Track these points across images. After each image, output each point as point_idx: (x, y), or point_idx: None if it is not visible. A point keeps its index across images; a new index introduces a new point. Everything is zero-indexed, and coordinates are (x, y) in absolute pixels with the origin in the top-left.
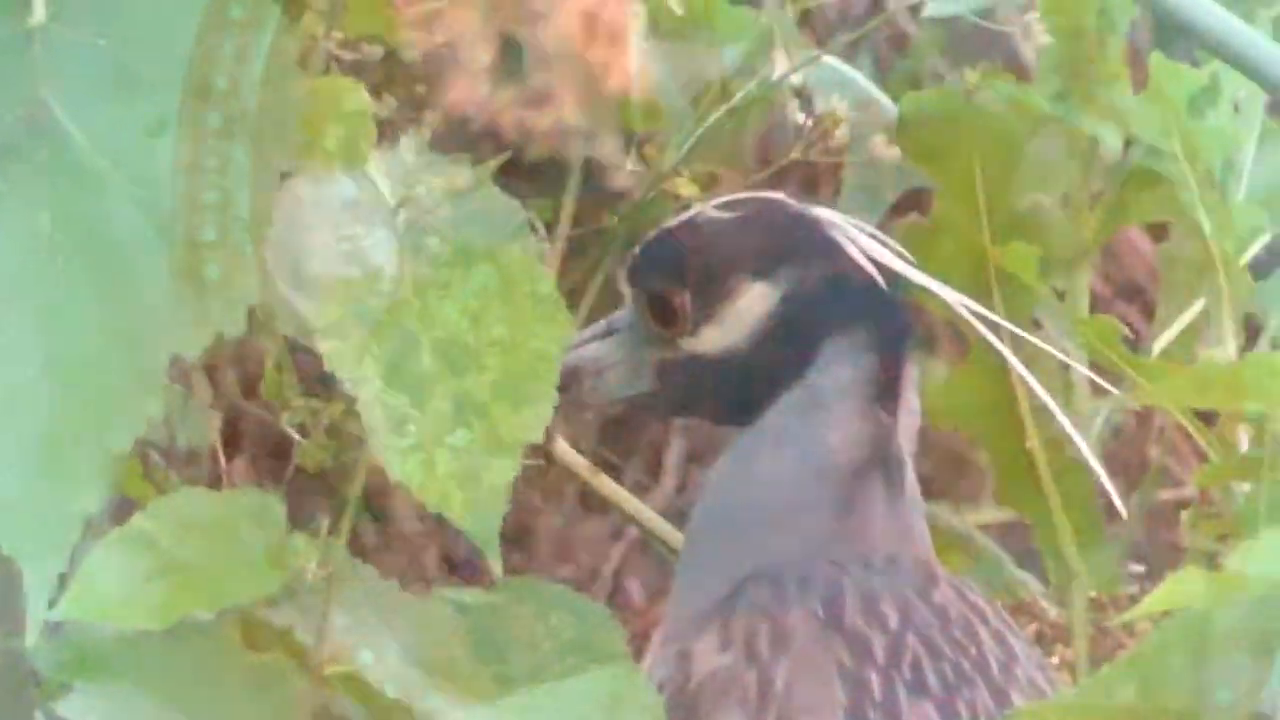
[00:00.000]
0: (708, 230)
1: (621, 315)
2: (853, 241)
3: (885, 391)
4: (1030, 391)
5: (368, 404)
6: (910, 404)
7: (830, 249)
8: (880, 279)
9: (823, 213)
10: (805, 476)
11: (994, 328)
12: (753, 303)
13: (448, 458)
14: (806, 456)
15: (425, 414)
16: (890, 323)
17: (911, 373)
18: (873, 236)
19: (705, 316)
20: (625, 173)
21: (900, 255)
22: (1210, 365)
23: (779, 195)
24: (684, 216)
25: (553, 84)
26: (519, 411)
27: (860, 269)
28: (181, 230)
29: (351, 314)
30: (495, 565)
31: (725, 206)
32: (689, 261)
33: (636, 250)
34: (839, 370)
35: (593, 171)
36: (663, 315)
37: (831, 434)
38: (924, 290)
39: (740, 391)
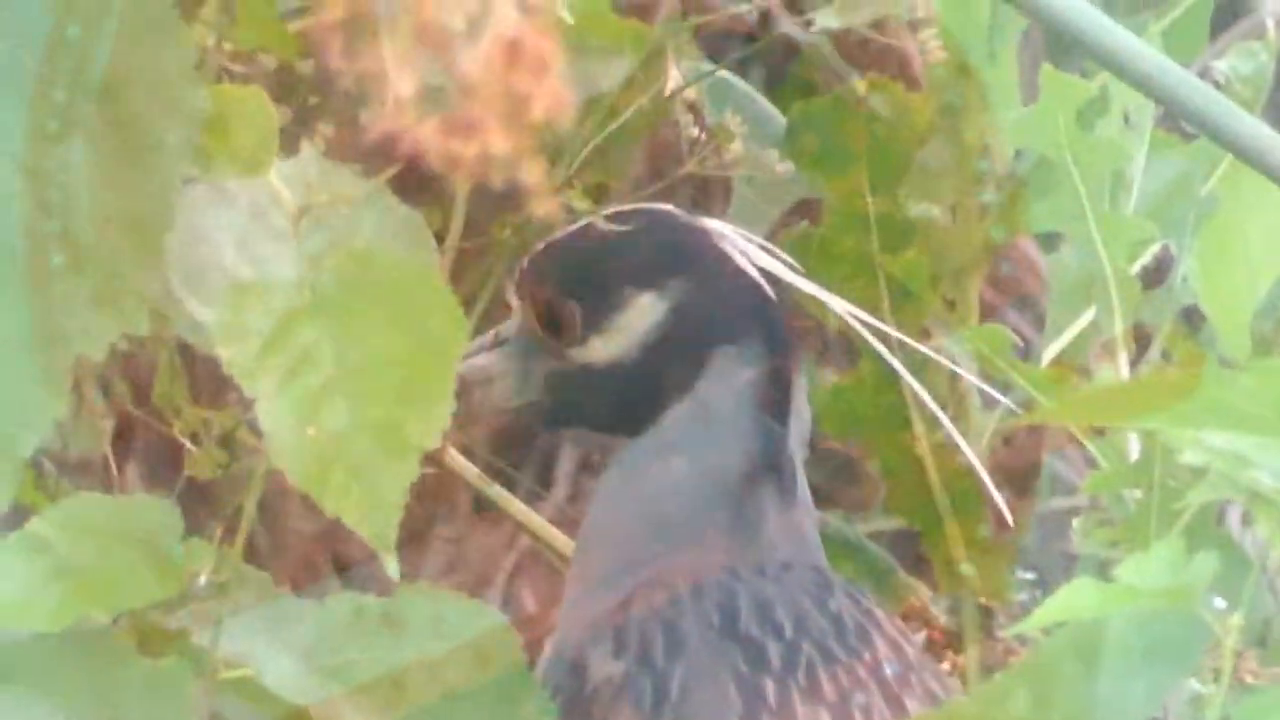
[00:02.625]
0: (597, 241)
1: (510, 326)
2: (742, 252)
3: (775, 401)
4: (919, 400)
5: (266, 410)
6: (801, 413)
7: (719, 260)
8: (769, 289)
9: (712, 224)
10: (696, 485)
11: (883, 337)
12: (641, 313)
13: (344, 463)
14: (697, 466)
15: (323, 420)
16: (779, 333)
17: (801, 382)
18: (762, 247)
19: (594, 327)
20: (552, 201)
21: (789, 265)
22: (1104, 384)
23: (668, 206)
24: (573, 227)
25: (477, 112)
26: (416, 418)
27: (749, 279)
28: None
29: (251, 320)
30: (392, 569)
31: (615, 217)
32: (578, 272)
33: (525, 261)
34: (728, 380)
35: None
36: (551, 325)
37: (722, 444)
38: (814, 300)
39: (629, 402)
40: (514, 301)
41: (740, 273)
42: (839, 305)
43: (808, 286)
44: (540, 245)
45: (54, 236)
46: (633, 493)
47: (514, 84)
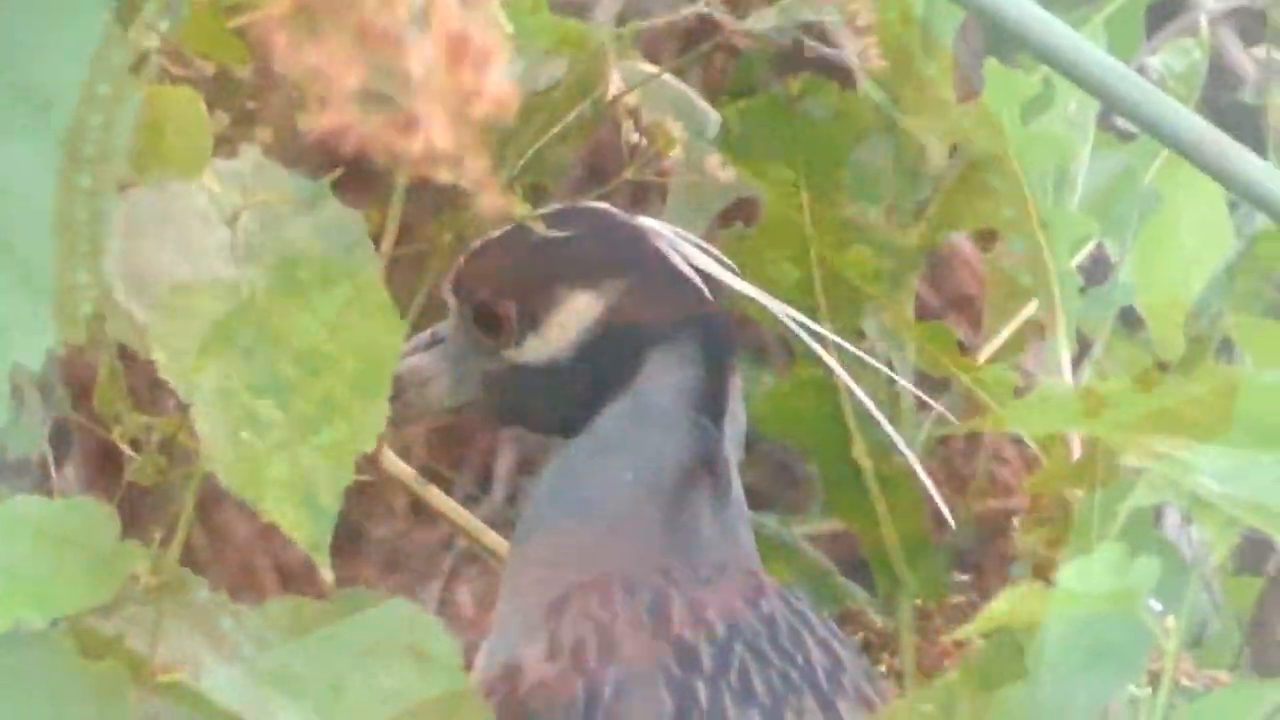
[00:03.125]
0: (533, 240)
1: (446, 325)
2: (678, 252)
3: (711, 401)
4: (856, 401)
5: (200, 414)
6: (736, 413)
7: (656, 259)
8: (706, 289)
9: (648, 223)
10: (631, 487)
11: (820, 338)
12: (577, 313)
13: (279, 467)
14: (633, 466)
15: (257, 424)
16: (715, 333)
17: (737, 382)
18: (698, 247)
19: (530, 326)
20: (495, 197)
21: (726, 265)
22: (1048, 392)
23: (605, 206)
24: (509, 226)
25: (421, 109)
26: (351, 421)
27: (686, 280)
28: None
29: (185, 324)
30: (326, 574)
31: (551, 217)
32: (514, 271)
33: (461, 260)
34: (665, 380)
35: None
36: (488, 325)
37: (658, 444)
38: (750, 300)
39: (565, 401)
40: (450, 301)
41: (677, 273)
42: (776, 306)
43: (744, 287)
44: (476, 244)
45: None
46: (568, 493)
47: (458, 80)
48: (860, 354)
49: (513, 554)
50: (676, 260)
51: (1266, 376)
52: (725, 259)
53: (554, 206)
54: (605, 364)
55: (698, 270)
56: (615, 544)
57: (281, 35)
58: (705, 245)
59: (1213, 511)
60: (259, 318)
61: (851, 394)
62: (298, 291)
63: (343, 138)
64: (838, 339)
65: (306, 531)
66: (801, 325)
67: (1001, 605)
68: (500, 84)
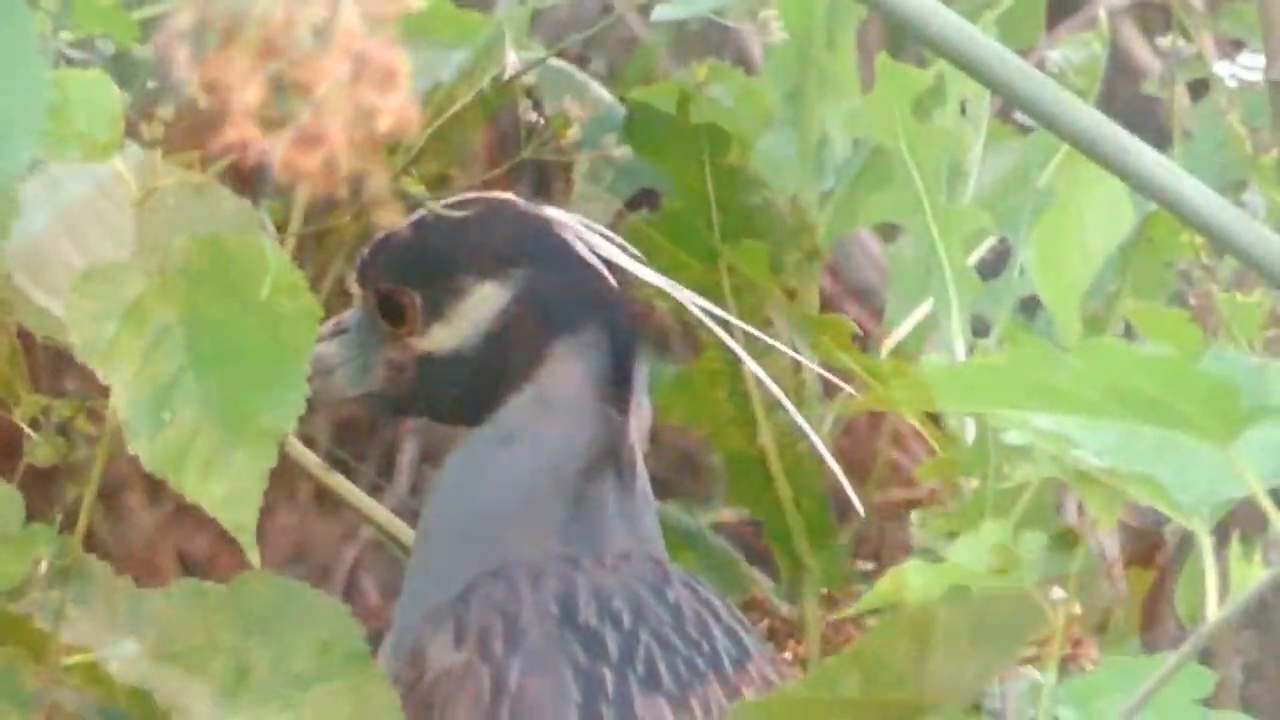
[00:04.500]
0: (437, 230)
1: (351, 315)
2: (583, 241)
3: (616, 391)
4: (762, 390)
5: (120, 395)
6: (641, 403)
7: (560, 249)
8: (610, 278)
9: (553, 213)
10: (536, 475)
11: (725, 326)
12: (482, 303)
13: (202, 449)
14: (537, 456)
15: (179, 406)
16: (620, 322)
17: (642, 372)
18: (603, 236)
19: (435, 316)
20: (395, 210)
21: (630, 254)
22: (933, 368)
23: (509, 195)
24: (414, 216)
25: (322, 125)
26: (271, 403)
27: (590, 269)
28: None
29: (101, 306)
30: (253, 556)
31: (455, 206)
32: (418, 261)
33: (365, 249)
34: (569, 370)
35: None
36: (392, 314)
37: (562, 433)
38: (655, 289)
39: (470, 391)
40: (354, 290)
41: (581, 262)
42: (682, 295)
43: (650, 276)
44: (380, 234)
45: None
46: (472, 482)
47: (359, 97)
48: (767, 340)
49: (417, 543)
50: (581, 250)
51: (1147, 350)
52: (630, 248)
53: (458, 196)
54: (509, 354)
55: (603, 259)
56: (519, 534)
57: (184, 49)
58: (610, 235)
59: (1095, 486)
60: (175, 298)
61: (757, 383)
62: (212, 272)
63: (243, 153)
64: (744, 326)
65: (231, 512)
66: (707, 313)
67: (890, 581)
68: (402, 101)
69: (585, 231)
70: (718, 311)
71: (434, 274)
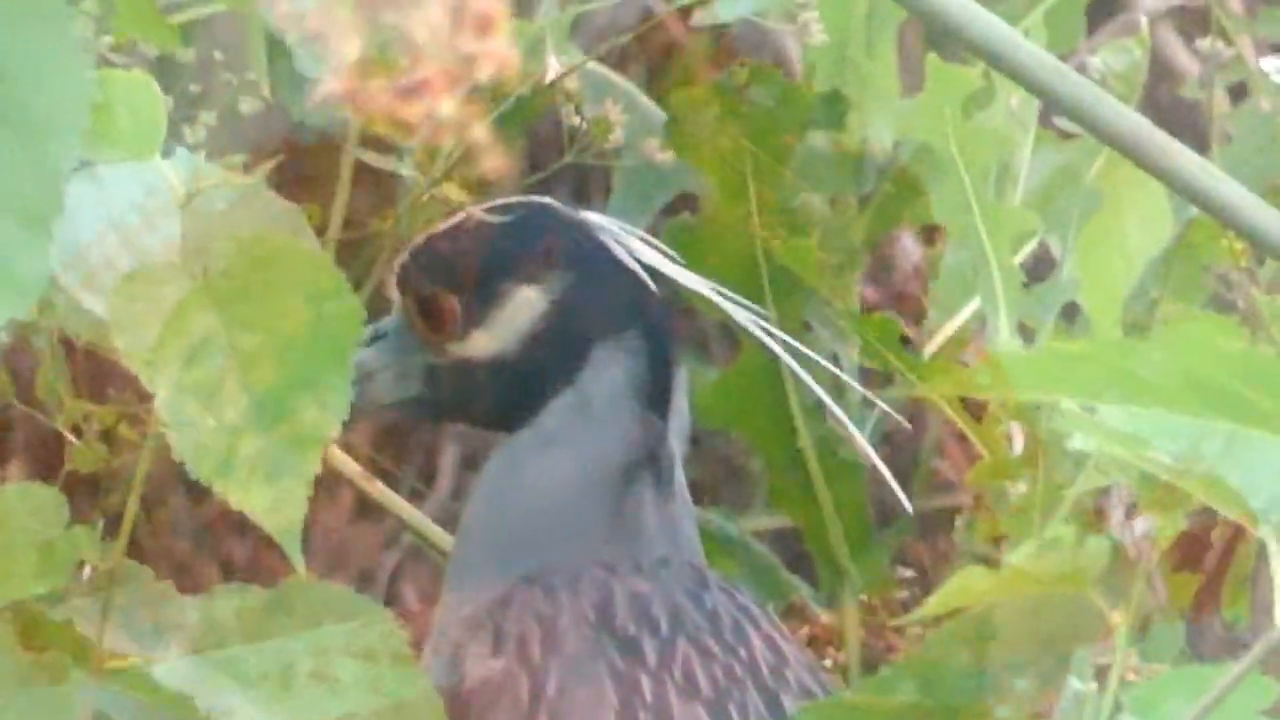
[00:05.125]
0: (477, 234)
1: (389, 320)
2: (621, 245)
3: (655, 395)
4: (801, 395)
5: (165, 400)
6: (680, 407)
7: (599, 253)
8: (650, 282)
9: (591, 217)
10: (576, 480)
11: (767, 328)
12: (522, 308)
13: (246, 455)
14: (577, 460)
15: (223, 411)
16: (660, 326)
17: (682, 376)
18: (641, 239)
19: (475, 321)
20: (499, 160)
21: (669, 257)
22: (1011, 354)
23: (548, 200)
24: (453, 220)
25: (424, 75)
26: (317, 408)
27: (629, 273)
28: None
29: (144, 309)
30: (297, 561)
31: (495, 210)
32: (459, 266)
33: (405, 254)
34: (609, 374)
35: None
36: (432, 320)
37: (602, 437)
38: (695, 293)
39: (510, 396)
40: (393, 295)
41: (620, 266)
42: (721, 299)
43: (690, 280)
44: (420, 239)
45: None
46: (512, 487)
47: (460, 45)
48: (804, 349)
49: (456, 549)
50: (621, 254)
51: (1227, 341)
52: (669, 251)
53: (498, 200)
54: (550, 358)
55: (642, 264)
56: (559, 538)
57: (283, 3)
58: (649, 239)
59: (1159, 492)
60: (218, 301)
61: (797, 387)
62: (255, 275)
63: (345, 104)
64: (783, 336)
65: (276, 518)
66: (749, 315)
67: (952, 588)
68: (502, 47)
69: (624, 235)
70: (760, 312)
71: (474, 279)
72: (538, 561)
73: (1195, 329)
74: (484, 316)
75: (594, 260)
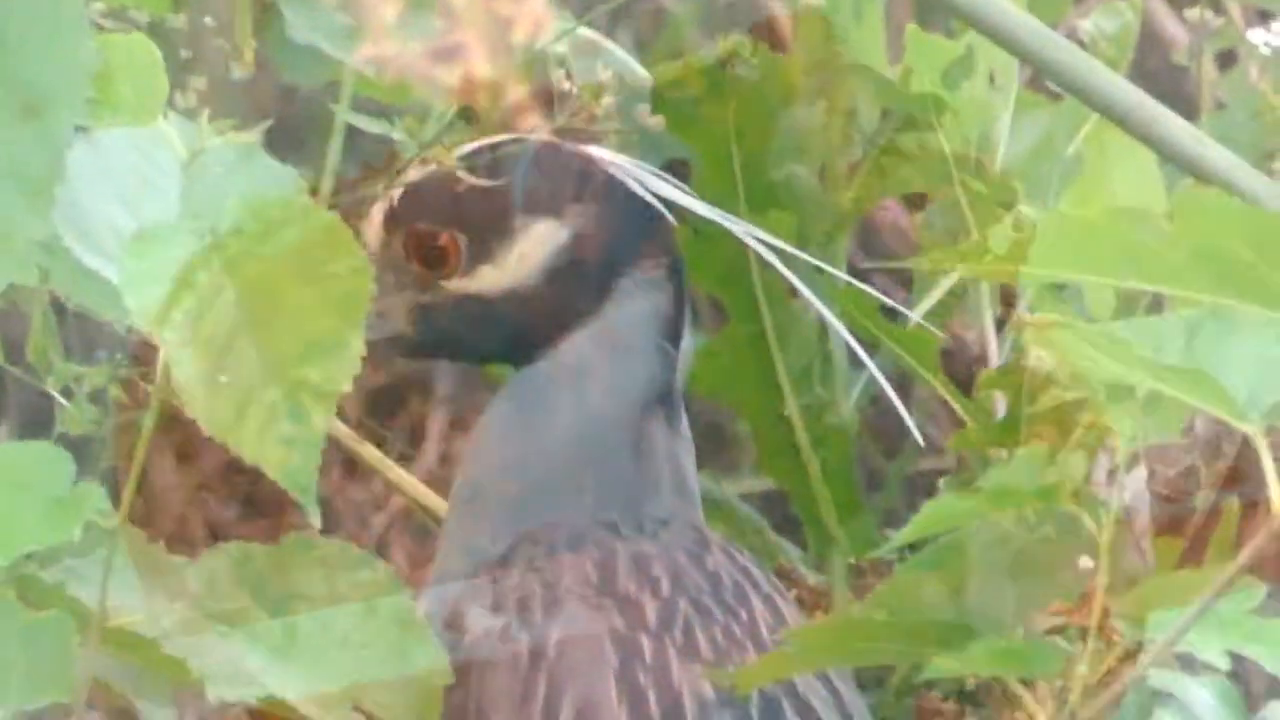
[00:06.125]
0: (482, 170)
1: None
2: (634, 178)
3: (671, 328)
4: (788, 361)
5: (175, 358)
6: (688, 341)
7: (615, 186)
8: (667, 214)
9: (598, 151)
10: (604, 413)
11: (752, 297)
12: (540, 241)
13: (259, 411)
14: (603, 391)
15: (233, 365)
16: (676, 256)
17: (689, 308)
18: (653, 173)
19: (482, 256)
20: (535, 119)
21: (682, 190)
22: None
23: (551, 138)
24: (458, 151)
25: (459, 38)
26: (327, 362)
27: (645, 204)
28: None
29: (153, 268)
30: (314, 516)
31: (486, 150)
32: (462, 202)
33: (398, 193)
34: (635, 305)
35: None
36: (428, 256)
37: (628, 369)
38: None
39: (524, 329)
40: (373, 236)
41: (636, 198)
42: (739, 228)
43: (703, 209)
44: (412, 178)
45: None
46: (528, 421)
47: (496, 8)
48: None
49: (458, 494)
50: (635, 187)
51: (1241, 206)
52: (682, 185)
53: (500, 138)
54: (571, 291)
55: (656, 196)
56: (580, 474)
57: None
58: (659, 172)
59: (1127, 403)
60: (226, 260)
61: (784, 353)
62: (262, 233)
63: (382, 68)
64: (792, 279)
65: (291, 473)
66: (771, 249)
67: (929, 511)
68: (538, 8)
69: (635, 169)
70: (773, 241)
71: (481, 214)
72: (549, 510)
73: (1213, 197)
74: (494, 251)
75: (610, 193)
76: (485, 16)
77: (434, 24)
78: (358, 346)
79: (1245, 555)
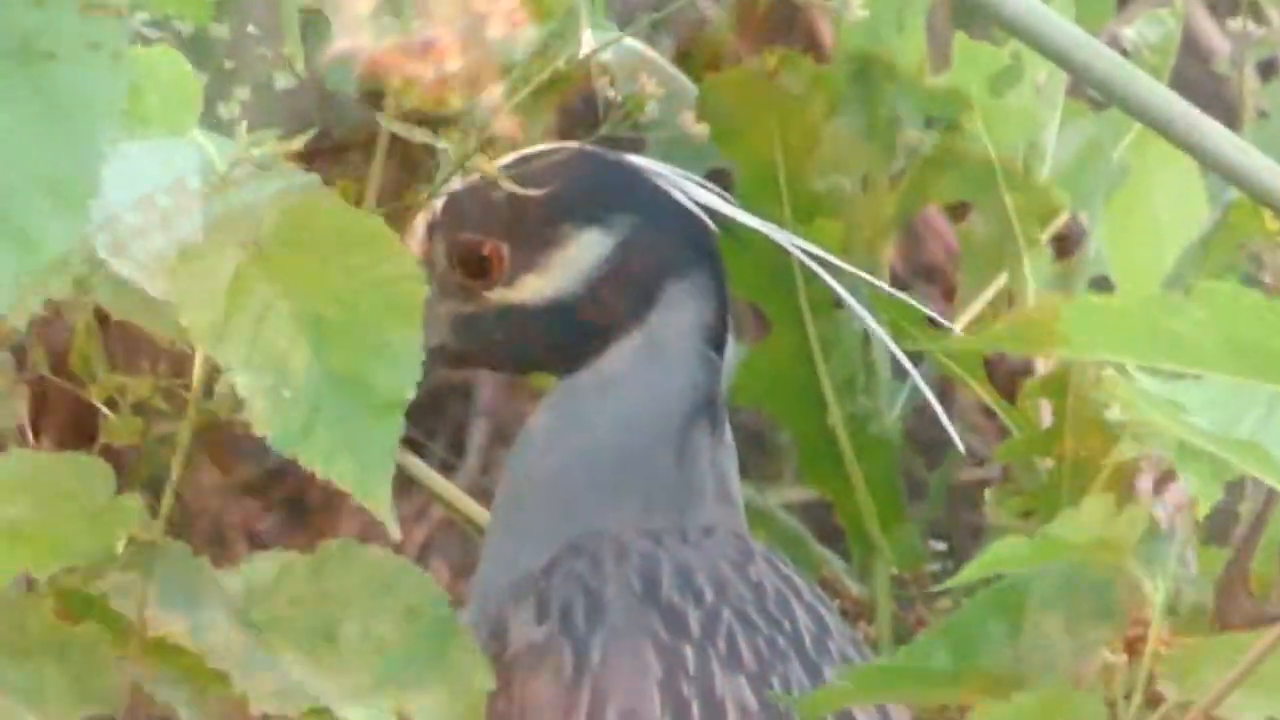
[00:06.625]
0: (525, 179)
1: None
2: (678, 188)
3: (715, 336)
4: (832, 371)
5: (237, 375)
6: (731, 348)
7: (659, 194)
8: (710, 223)
9: (640, 160)
10: (647, 422)
11: (795, 306)
12: (585, 249)
13: (326, 424)
14: (648, 401)
15: (294, 377)
16: (720, 265)
17: (731, 317)
18: (697, 183)
19: (526, 265)
20: (509, 120)
21: (726, 200)
22: (1039, 309)
23: (593, 148)
24: (501, 160)
25: (435, 33)
26: (390, 371)
27: (690, 213)
28: None
29: (204, 287)
30: (393, 530)
31: (529, 159)
32: (506, 211)
33: (442, 203)
34: (681, 315)
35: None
36: (471, 266)
37: (673, 379)
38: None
39: (567, 339)
40: (418, 245)
41: (680, 207)
42: (783, 237)
43: (749, 219)
44: (456, 189)
45: None
46: (573, 431)
47: (470, 3)
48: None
49: (502, 503)
50: (679, 195)
51: (1264, 299)
52: (724, 193)
53: (541, 147)
54: (616, 300)
55: (700, 205)
56: (624, 483)
57: None
58: (702, 181)
59: (1198, 460)
60: (271, 271)
61: (828, 363)
62: (308, 241)
63: (355, 62)
64: (834, 284)
65: (364, 487)
66: (810, 255)
67: (991, 554)
68: (513, 6)
69: (678, 178)
70: (817, 251)
71: (525, 223)
72: (593, 519)
73: (1234, 290)
74: (538, 260)
75: (654, 201)
76: (460, 13)
77: (409, 19)
78: (418, 350)
79: None
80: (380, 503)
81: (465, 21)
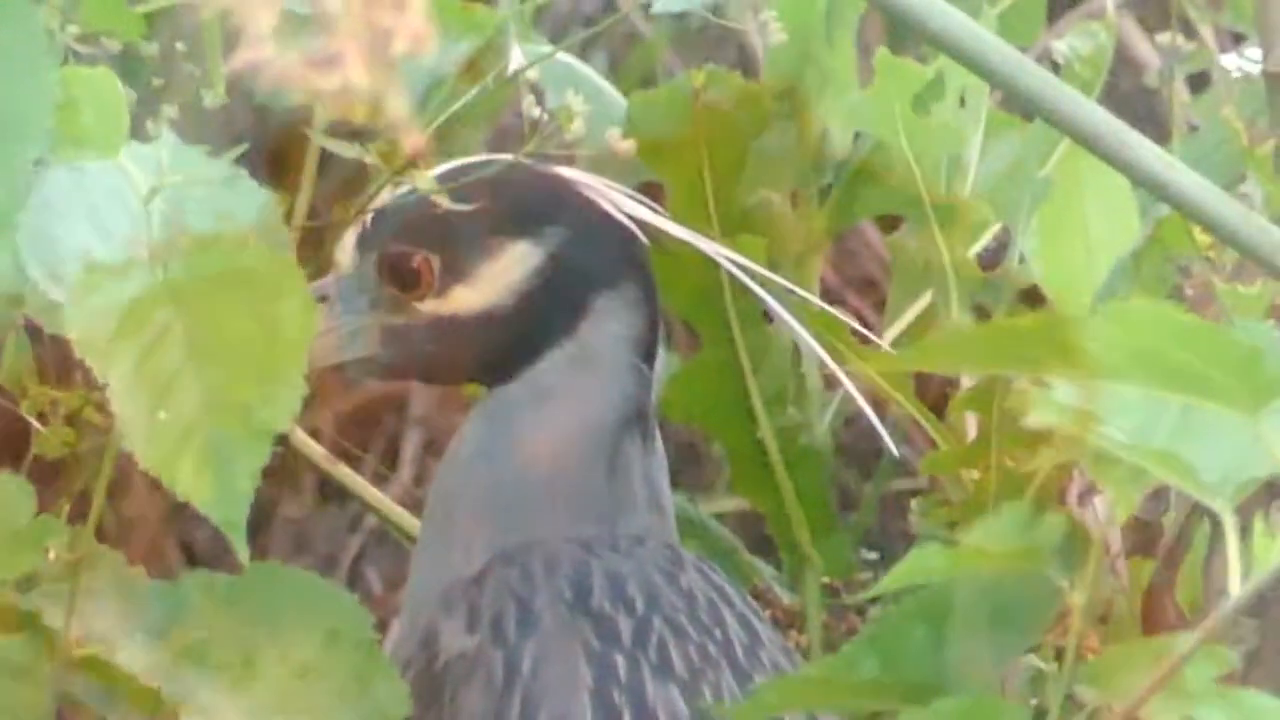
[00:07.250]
0: (455, 193)
1: (328, 283)
2: (607, 199)
3: (645, 347)
4: (762, 385)
5: (118, 392)
6: (661, 359)
7: (588, 207)
8: (640, 234)
9: (570, 172)
10: (576, 434)
11: (725, 324)
12: (516, 261)
13: (197, 447)
14: (579, 413)
15: (175, 403)
16: (649, 277)
17: (662, 328)
18: (626, 194)
19: (456, 277)
20: (414, 135)
21: (656, 211)
22: (958, 331)
23: (523, 160)
24: (431, 173)
25: (338, 47)
26: (268, 401)
27: (620, 225)
28: None
29: (102, 303)
30: (242, 553)
31: (459, 171)
32: (434, 224)
33: (371, 215)
34: (611, 326)
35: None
36: (402, 278)
37: (603, 390)
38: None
39: (498, 350)
40: (347, 258)
41: (610, 219)
42: (711, 248)
43: (676, 230)
44: (385, 200)
45: None
46: (504, 444)
47: (375, 18)
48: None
49: (431, 515)
50: (609, 207)
51: (1174, 313)
52: (654, 205)
53: (472, 159)
54: (546, 311)
55: (630, 217)
56: (554, 495)
57: None
58: (633, 193)
59: (1115, 469)
60: (175, 297)
61: (757, 378)
62: (213, 272)
63: (259, 75)
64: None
65: (222, 510)
66: (743, 272)
67: (909, 564)
68: (417, 22)
69: (607, 190)
70: (744, 262)
71: (453, 236)
72: (524, 529)
73: (1143, 305)
74: (468, 272)
75: (585, 214)
76: (365, 27)
77: (313, 33)
78: (299, 386)
79: (1215, 620)
80: (236, 529)
81: (370, 37)
